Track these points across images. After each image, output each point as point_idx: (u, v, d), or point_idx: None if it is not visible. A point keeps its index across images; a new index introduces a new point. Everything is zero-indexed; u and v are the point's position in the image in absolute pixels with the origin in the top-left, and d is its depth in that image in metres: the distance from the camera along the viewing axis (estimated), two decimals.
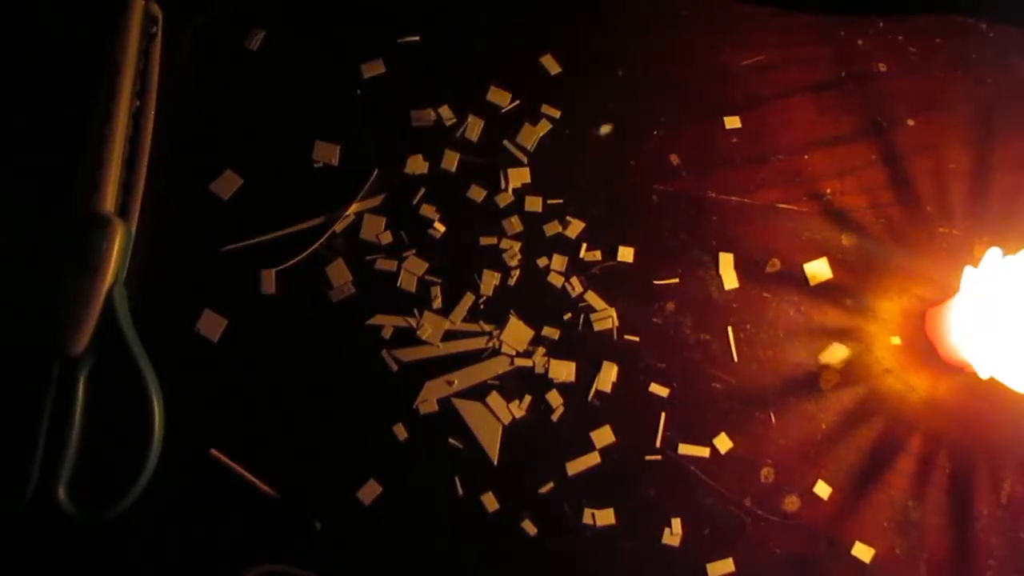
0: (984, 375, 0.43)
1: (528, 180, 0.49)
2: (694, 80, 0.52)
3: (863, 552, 0.47)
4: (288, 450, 0.45)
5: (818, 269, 0.50)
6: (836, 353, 0.49)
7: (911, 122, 0.52)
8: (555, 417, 0.47)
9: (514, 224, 0.49)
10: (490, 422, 0.46)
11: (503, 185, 0.49)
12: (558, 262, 0.48)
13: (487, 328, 0.47)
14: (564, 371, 0.47)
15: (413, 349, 0.47)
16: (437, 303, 0.47)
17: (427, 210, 0.49)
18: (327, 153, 0.49)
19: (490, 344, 0.47)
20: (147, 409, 0.44)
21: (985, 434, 0.48)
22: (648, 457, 0.47)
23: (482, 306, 0.48)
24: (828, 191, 0.51)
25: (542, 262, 0.49)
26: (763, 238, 0.50)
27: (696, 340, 0.48)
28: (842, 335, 0.49)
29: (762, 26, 0.53)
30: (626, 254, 0.49)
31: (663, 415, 0.47)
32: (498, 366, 0.47)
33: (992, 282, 0.44)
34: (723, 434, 0.47)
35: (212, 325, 0.46)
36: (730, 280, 0.49)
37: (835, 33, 0.53)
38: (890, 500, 0.47)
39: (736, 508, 0.47)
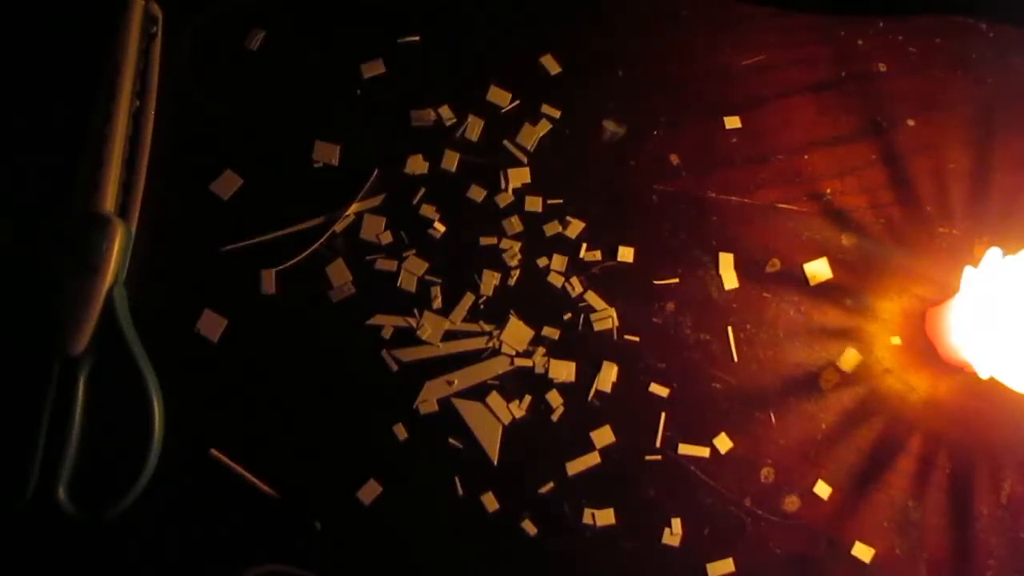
0: (984, 375, 0.43)
1: (528, 180, 0.49)
2: (694, 80, 0.52)
3: (863, 552, 0.47)
4: (288, 450, 0.45)
5: (818, 269, 0.50)
6: (850, 358, 0.48)
7: (911, 122, 0.52)
8: (555, 417, 0.47)
9: (514, 224, 0.49)
10: (490, 422, 0.46)
11: (503, 185, 0.49)
12: (558, 262, 0.48)
13: (487, 328, 0.47)
14: (564, 371, 0.47)
15: (413, 349, 0.47)
16: (437, 303, 0.47)
17: (427, 210, 0.49)
18: (327, 153, 0.49)
19: (490, 344, 0.47)
20: (147, 409, 0.44)
21: (985, 434, 0.48)
22: (648, 457, 0.47)
23: (482, 306, 0.48)
24: (828, 191, 0.51)
25: (542, 262, 0.49)
26: (763, 238, 0.50)
27: (696, 340, 0.48)
28: (842, 335, 0.49)
29: (762, 26, 0.53)
30: (626, 254, 0.49)
31: (663, 415, 0.47)
32: (498, 366, 0.47)
33: (992, 282, 0.44)
34: (723, 434, 0.47)
35: (212, 325, 0.46)
36: (730, 280, 0.49)
37: (835, 33, 0.53)
38: (890, 500, 0.47)
39: (736, 508, 0.47)
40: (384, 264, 0.48)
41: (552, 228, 0.49)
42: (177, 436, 0.45)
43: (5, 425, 0.44)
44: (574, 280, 0.48)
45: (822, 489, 0.47)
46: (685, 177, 0.50)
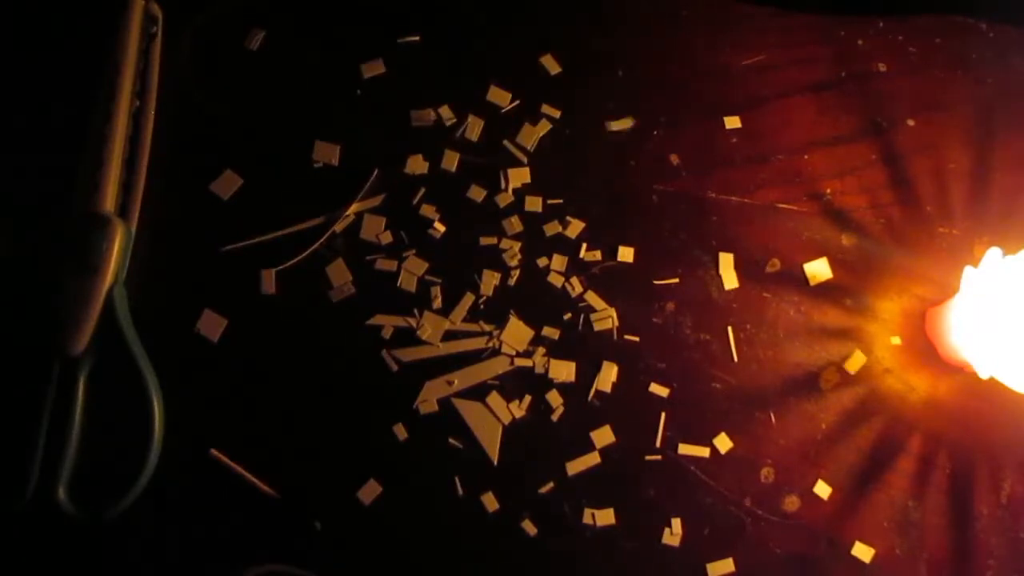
0: (984, 375, 0.43)
1: (528, 180, 0.49)
2: (694, 80, 0.52)
3: (863, 552, 0.47)
4: (288, 450, 0.45)
5: (818, 269, 0.50)
6: (856, 360, 0.48)
7: (911, 122, 0.52)
8: (555, 417, 0.47)
9: (514, 224, 0.49)
10: (490, 422, 0.46)
11: (503, 185, 0.49)
12: (558, 262, 0.48)
13: (487, 328, 0.47)
14: (564, 371, 0.47)
15: (413, 349, 0.47)
16: (437, 303, 0.47)
17: (427, 210, 0.49)
18: (327, 153, 0.49)
19: (490, 344, 0.47)
20: (147, 409, 0.44)
21: (985, 434, 0.48)
22: (648, 457, 0.47)
23: (482, 306, 0.48)
24: (828, 191, 0.51)
25: (542, 262, 0.49)
26: (763, 238, 0.50)
27: (696, 340, 0.48)
28: (842, 335, 0.49)
29: (762, 26, 0.53)
30: (626, 254, 0.49)
31: (663, 415, 0.47)
32: (498, 366, 0.47)
33: (992, 282, 0.44)
34: (723, 434, 0.47)
35: (212, 325, 0.46)
36: (730, 280, 0.49)
37: (835, 33, 0.53)
38: (890, 500, 0.47)
39: (736, 508, 0.47)
40: (384, 264, 0.48)
41: (552, 228, 0.49)
42: (177, 436, 0.45)
43: (5, 425, 0.44)
44: (574, 280, 0.48)
45: (822, 489, 0.47)
46: (685, 177, 0.50)
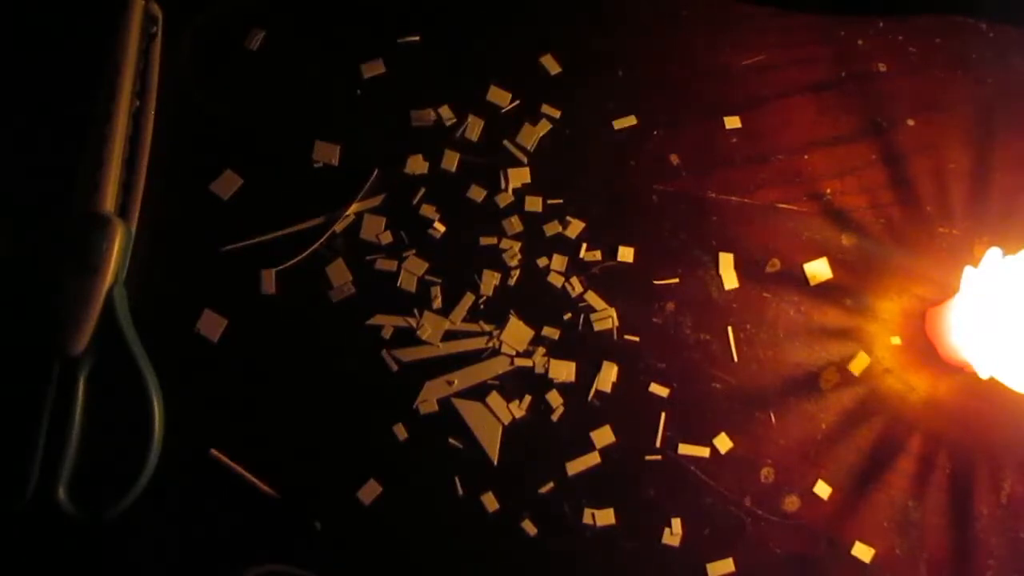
0: (984, 375, 0.43)
1: (528, 180, 0.49)
2: (694, 80, 0.52)
3: (863, 552, 0.47)
4: (288, 450, 0.45)
5: (818, 269, 0.50)
6: (857, 360, 0.48)
7: (911, 122, 0.52)
8: (555, 417, 0.47)
9: (514, 224, 0.49)
10: (490, 422, 0.46)
11: (503, 185, 0.49)
12: (558, 262, 0.48)
13: (487, 328, 0.47)
14: (564, 371, 0.47)
15: (413, 349, 0.47)
16: (437, 303, 0.47)
17: (427, 210, 0.49)
18: (327, 153, 0.49)
19: (490, 344, 0.47)
20: (147, 409, 0.44)
21: (985, 434, 0.48)
22: (648, 457, 0.47)
23: (482, 306, 0.48)
24: (828, 191, 0.51)
25: (542, 262, 0.49)
26: (763, 238, 0.50)
27: (696, 340, 0.48)
28: (842, 335, 0.49)
29: (762, 26, 0.53)
30: (626, 254, 0.49)
31: (663, 415, 0.47)
32: (498, 366, 0.47)
33: (992, 282, 0.44)
34: (723, 434, 0.47)
35: (212, 325, 0.46)
36: (730, 280, 0.49)
37: (835, 33, 0.53)
38: (890, 500, 0.47)
39: (736, 508, 0.47)
40: (384, 264, 0.48)
41: (552, 228, 0.49)
42: (177, 436, 0.45)
43: (5, 425, 0.44)
44: (574, 280, 0.48)
45: (822, 489, 0.47)
46: (685, 177, 0.50)
